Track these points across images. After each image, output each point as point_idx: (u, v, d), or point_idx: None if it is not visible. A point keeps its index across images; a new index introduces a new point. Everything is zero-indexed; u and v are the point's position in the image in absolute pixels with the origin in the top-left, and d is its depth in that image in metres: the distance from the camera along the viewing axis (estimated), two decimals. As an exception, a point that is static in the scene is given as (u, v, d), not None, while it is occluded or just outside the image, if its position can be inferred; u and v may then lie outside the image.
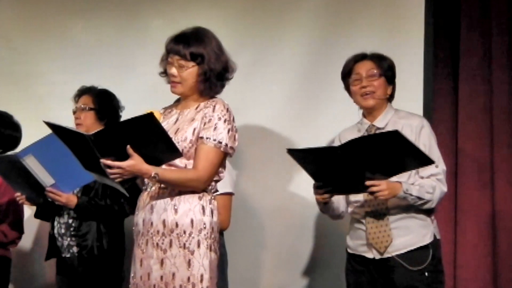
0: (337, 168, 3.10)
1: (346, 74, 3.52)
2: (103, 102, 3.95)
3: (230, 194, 3.63)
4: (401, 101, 3.58)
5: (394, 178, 3.19)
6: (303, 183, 3.68)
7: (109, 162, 2.81)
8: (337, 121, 3.83)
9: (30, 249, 4.50)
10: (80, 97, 3.99)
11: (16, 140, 4.12)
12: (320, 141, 3.79)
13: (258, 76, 4.26)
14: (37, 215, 4.04)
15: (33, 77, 4.72)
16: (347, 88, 3.53)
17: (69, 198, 3.66)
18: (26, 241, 4.33)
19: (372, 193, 3.16)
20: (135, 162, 2.82)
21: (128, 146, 2.81)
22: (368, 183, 3.11)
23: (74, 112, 3.97)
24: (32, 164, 3.41)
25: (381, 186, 3.13)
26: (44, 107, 4.62)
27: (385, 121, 3.45)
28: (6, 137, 4.09)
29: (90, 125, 3.85)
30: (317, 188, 3.27)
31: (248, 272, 4.07)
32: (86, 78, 4.27)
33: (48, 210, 3.85)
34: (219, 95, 3.08)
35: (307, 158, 3.18)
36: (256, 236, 4.15)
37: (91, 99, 3.94)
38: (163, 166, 2.91)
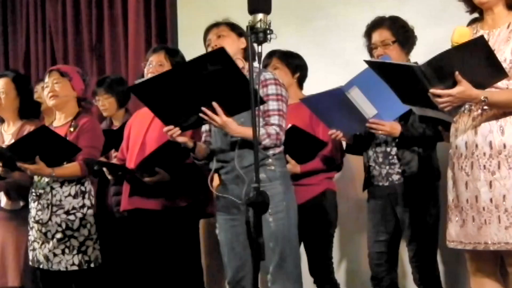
0: None
1: None
2: (402, 32, 3.76)
3: None
4: None
5: None
6: None
7: (438, 91, 2.79)
8: None
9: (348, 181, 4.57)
10: (376, 30, 3.80)
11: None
12: None
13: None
14: (348, 150, 4.02)
15: (314, 11, 4.79)
16: None
17: (393, 126, 3.56)
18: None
19: None
20: (464, 88, 2.78)
21: (457, 73, 2.76)
22: None
23: (370, 47, 3.81)
24: (357, 96, 3.39)
25: None
26: (325, 40, 4.68)
27: None
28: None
29: (398, 58, 3.66)
30: None
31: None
32: (366, 9, 4.25)
33: (361, 143, 3.81)
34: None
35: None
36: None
37: (390, 32, 3.75)
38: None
